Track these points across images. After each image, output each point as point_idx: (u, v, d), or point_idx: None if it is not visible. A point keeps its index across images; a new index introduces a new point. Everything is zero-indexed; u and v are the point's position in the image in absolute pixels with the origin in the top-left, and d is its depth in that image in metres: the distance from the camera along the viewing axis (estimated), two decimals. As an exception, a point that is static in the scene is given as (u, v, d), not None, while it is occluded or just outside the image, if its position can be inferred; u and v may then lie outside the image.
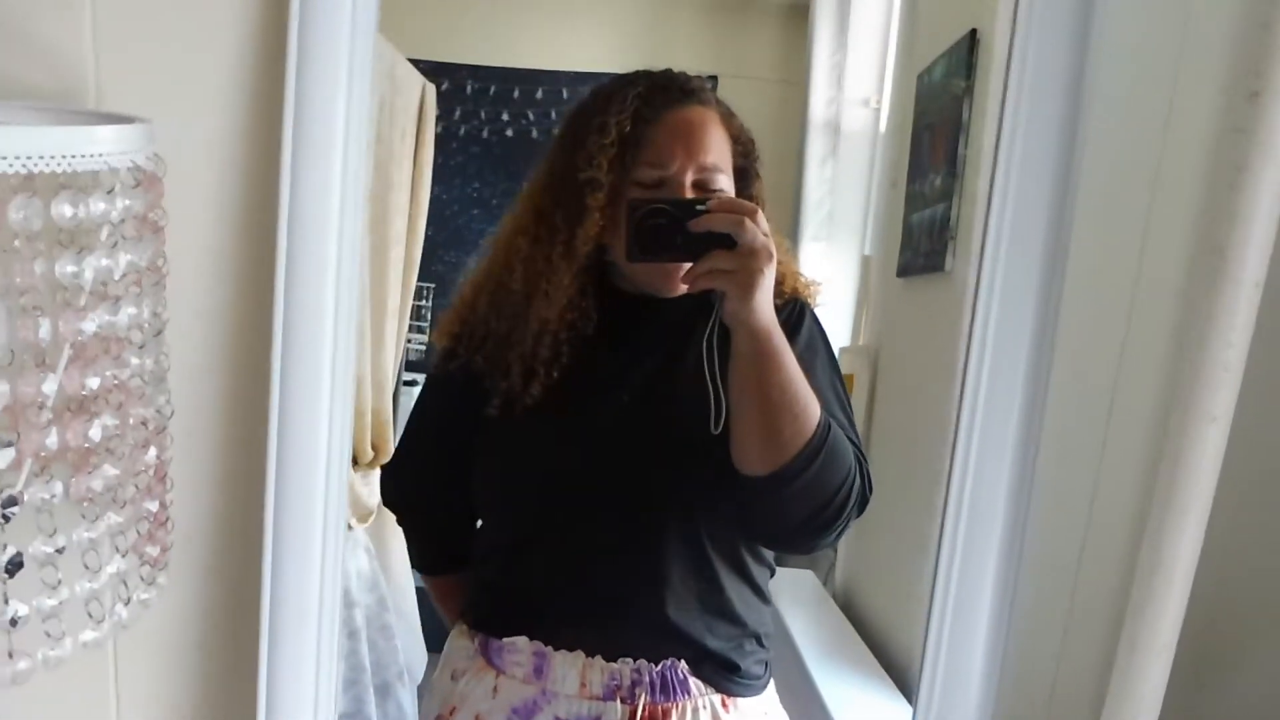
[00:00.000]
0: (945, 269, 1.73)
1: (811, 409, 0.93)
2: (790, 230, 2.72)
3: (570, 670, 1.00)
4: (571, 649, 1.01)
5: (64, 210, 0.56)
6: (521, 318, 1.03)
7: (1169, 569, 0.61)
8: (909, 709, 1.06)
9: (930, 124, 1.95)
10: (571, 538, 1.02)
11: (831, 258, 2.71)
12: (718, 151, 1.01)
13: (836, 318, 2.66)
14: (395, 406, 2.13)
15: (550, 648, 1.01)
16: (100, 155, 0.59)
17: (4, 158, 0.53)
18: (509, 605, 1.06)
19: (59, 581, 0.58)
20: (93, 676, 0.83)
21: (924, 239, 1.91)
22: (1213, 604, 0.78)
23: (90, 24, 0.75)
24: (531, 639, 1.02)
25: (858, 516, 0.99)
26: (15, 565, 0.56)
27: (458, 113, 3.15)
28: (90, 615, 0.58)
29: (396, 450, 1.29)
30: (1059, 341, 0.71)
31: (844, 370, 2.59)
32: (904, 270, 2.13)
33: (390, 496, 1.27)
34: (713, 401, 0.96)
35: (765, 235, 0.90)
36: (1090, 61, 0.69)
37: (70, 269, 0.57)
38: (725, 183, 1.02)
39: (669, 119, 1.01)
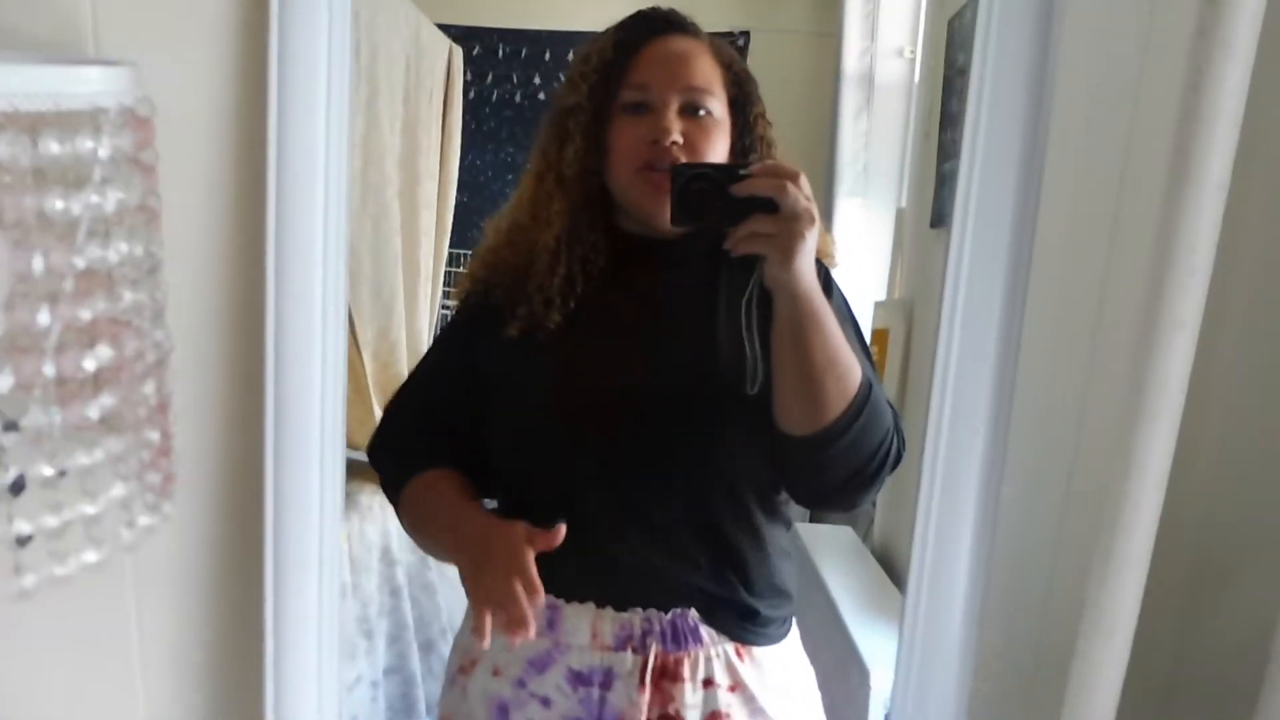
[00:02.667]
0: (973, 214, 1.69)
1: (854, 369, 0.93)
2: (825, 185, 2.69)
3: (581, 622, 1.02)
4: (582, 601, 1.02)
5: (51, 147, 0.58)
6: (535, 250, 1.05)
7: (1141, 476, 0.60)
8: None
9: (962, 70, 1.90)
10: (578, 482, 1.02)
11: (867, 212, 2.67)
12: (704, 76, 1.02)
13: (872, 273, 2.63)
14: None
15: (562, 600, 1.02)
16: (87, 95, 0.61)
17: (-8, 95, 0.56)
18: None
19: (61, 504, 0.61)
20: (112, 605, 0.87)
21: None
22: (1204, 525, 0.76)
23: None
24: (545, 593, 1.02)
25: (892, 473, 0.98)
26: (19, 486, 0.59)
27: (490, 77, 3.16)
28: (91, 538, 0.61)
29: (404, 384, 1.20)
30: (1039, 262, 0.71)
31: (879, 325, 2.55)
32: (937, 220, 2.09)
33: (386, 422, 1.17)
34: (749, 362, 0.97)
35: (808, 199, 0.89)
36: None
37: (60, 204, 0.59)
38: (716, 107, 1.03)
39: (652, 46, 1.03)
